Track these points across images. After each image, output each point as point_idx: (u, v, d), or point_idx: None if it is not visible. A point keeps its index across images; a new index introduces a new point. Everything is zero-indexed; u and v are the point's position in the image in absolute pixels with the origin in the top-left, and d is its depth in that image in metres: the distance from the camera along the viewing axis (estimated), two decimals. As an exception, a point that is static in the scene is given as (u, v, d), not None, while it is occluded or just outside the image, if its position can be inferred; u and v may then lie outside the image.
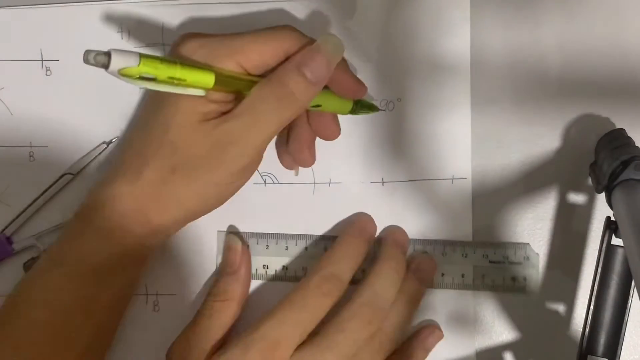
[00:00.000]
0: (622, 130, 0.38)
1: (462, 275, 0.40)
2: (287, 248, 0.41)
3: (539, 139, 0.40)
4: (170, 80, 0.31)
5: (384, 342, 0.38)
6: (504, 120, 0.40)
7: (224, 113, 0.35)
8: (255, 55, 0.34)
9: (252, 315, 0.38)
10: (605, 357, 0.35)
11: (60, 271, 0.35)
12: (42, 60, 0.41)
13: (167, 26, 0.41)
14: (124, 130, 0.41)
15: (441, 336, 0.40)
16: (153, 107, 0.36)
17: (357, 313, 0.37)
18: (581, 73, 0.40)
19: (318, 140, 0.39)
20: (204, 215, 0.38)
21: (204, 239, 0.41)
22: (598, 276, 0.36)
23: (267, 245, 0.41)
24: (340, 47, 0.35)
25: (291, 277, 0.41)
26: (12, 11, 0.41)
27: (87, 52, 0.28)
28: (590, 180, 0.39)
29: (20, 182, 0.41)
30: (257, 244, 0.41)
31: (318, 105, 0.37)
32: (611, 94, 0.40)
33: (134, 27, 0.41)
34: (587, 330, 0.35)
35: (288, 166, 0.41)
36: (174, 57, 0.34)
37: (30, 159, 0.41)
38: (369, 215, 0.40)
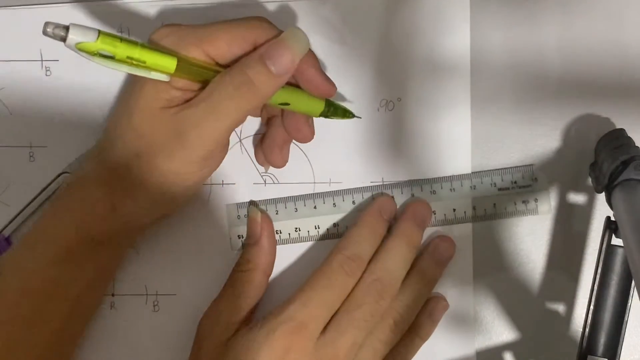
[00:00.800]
0: (622, 130, 0.38)
1: (474, 208, 0.40)
2: (315, 207, 0.41)
3: (539, 139, 0.40)
4: (129, 61, 0.31)
5: (397, 320, 0.38)
6: (504, 120, 0.40)
7: (186, 95, 0.35)
8: (222, 44, 0.34)
9: (287, 278, 0.40)
10: (605, 357, 0.35)
11: (32, 253, 0.35)
12: (41, 60, 0.41)
13: (167, 26, 0.41)
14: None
15: (447, 307, 0.40)
16: (124, 93, 0.36)
17: (371, 288, 0.37)
18: (581, 73, 0.40)
19: (319, 140, 0.39)
20: (175, 209, 0.38)
21: (205, 238, 0.41)
22: (598, 276, 0.36)
23: (296, 208, 0.41)
24: (306, 41, 0.35)
25: (323, 236, 0.41)
26: (11, 11, 0.41)
27: (47, 24, 0.29)
28: (590, 180, 0.39)
29: (20, 182, 0.41)
30: (286, 208, 0.41)
31: (286, 104, 0.37)
32: (611, 94, 0.40)
33: (134, 27, 0.41)
34: (587, 330, 0.35)
35: (260, 163, 0.41)
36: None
37: (30, 159, 0.41)
38: (389, 195, 0.41)
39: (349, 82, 0.40)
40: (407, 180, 0.41)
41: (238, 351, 0.36)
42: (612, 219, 0.36)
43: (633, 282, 0.35)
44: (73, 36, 0.29)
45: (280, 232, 0.41)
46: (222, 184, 0.41)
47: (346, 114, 0.39)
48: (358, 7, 0.40)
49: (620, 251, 0.35)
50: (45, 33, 0.29)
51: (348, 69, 0.40)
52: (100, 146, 0.37)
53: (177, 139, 0.34)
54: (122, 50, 0.31)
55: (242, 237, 0.41)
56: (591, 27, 0.40)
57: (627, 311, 0.35)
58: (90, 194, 0.36)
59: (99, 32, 0.30)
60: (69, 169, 0.41)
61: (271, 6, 0.41)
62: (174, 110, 0.34)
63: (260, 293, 0.39)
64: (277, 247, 0.40)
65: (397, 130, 0.41)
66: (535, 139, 0.40)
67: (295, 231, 0.41)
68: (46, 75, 0.41)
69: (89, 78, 0.41)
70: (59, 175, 0.41)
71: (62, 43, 0.30)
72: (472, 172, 0.41)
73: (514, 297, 0.40)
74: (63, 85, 0.41)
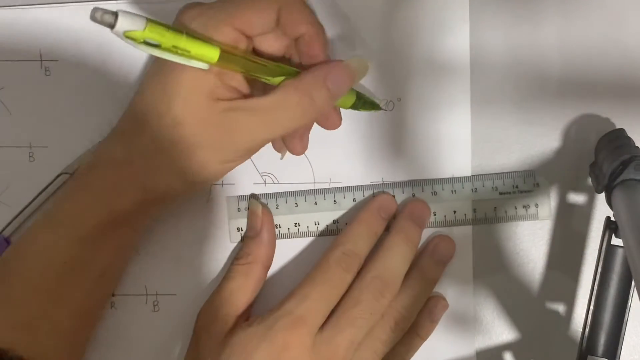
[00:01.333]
0: (622, 130, 0.38)
1: (474, 210, 0.40)
2: (316, 204, 0.41)
3: (539, 139, 0.40)
4: (175, 50, 0.31)
5: (398, 319, 0.38)
6: (504, 120, 0.40)
7: (230, 93, 0.35)
8: (251, 17, 0.34)
9: (285, 275, 0.40)
10: (605, 357, 0.35)
11: (54, 230, 0.35)
12: (41, 60, 0.41)
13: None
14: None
15: (447, 306, 0.40)
16: (156, 76, 0.36)
17: (370, 286, 0.37)
18: (581, 73, 0.40)
19: (319, 139, 0.39)
20: (202, 187, 0.39)
21: (205, 239, 0.41)
22: (598, 276, 0.36)
23: (297, 203, 0.41)
24: (366, 67, 0.38)
25: (323, 232, 0.41)
26: (11, 11, 0.41)
27: (95, 10, 0.28)
28: (590, 180, 0.39)
29: (19, 182, 0.41)
30: (286, 203, 0.41)
31: None
32: (611, 94, 0.40)
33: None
34: (587, 330, 0.35)
35: (278, 149, 0.41)
36: (180, 26, 0.34)
37: (30, 159, 0.41)
38: (389, 194, 0.41)
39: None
40: (408, 180, 0.41)
41: (237, 346, 0.36)
42: (612, 219, 0.36)
43: (633, 282, 0.35)
44: (122, 23, 0.29)
45: (280, 227, 0.41)
46: (222, 184, 0.41)
47: (374, 106, 0.40)
48: (358, 7, 0.40)
49: (620, 251, 0.35)
50: (93, 19, 0.28)
51: (348, 69, 0.40)
52: (124, 129, 0.36)
53: (227, 136, 0.35)
54: (168, 39, 0.31)
55: (242, 230, 0.41)
56: (591, 27, 0.40)
57: (627, 311, 0.35)
58: (119, 174, 0.35)
59: (147, 20, 0.30)
60: (69, 169, 0.41)
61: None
62: (223, 106, 0.34)
63: (259, 286, 0.39)
64: (276, 241, 0.41)
65: (397, 130, 0.41)
66: (535, 139, 0.40)
67: (295, 226, 0.41)
68: (46, 75, 0.41)
69: (88, 78, 0.41)
70: (58, 176, 0.41)
71: (99, 33, 0.28)
72: (474, 175, 0.41)
73: (514, 297, 0.40)
74: (62, 86, 0.41)
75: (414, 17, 0.40)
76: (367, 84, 0.40)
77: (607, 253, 0.36)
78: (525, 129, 0.40)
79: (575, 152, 0.40)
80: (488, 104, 0.40)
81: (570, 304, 0.40)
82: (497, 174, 0.40)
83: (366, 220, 0.39)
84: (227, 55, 0.33)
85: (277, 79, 0.35)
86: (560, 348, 0.40)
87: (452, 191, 0.40)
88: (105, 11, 0.29)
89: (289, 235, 0.41)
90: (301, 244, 0.41)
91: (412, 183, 0.41)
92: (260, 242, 0.40)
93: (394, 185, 0.41)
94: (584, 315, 0.36)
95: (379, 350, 0.38)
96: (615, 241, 0.36)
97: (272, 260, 0.40)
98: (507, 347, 0.41)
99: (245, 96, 0.36)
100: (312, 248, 0.41)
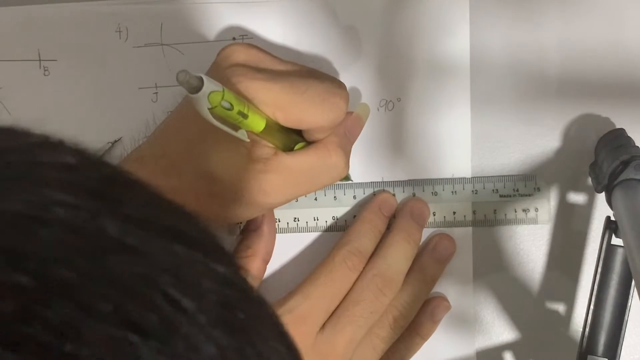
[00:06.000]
0: (622, 130, 0.38)
1: (474, 212, 0.40)
2: (316, 199, 0.41)
3: (539, 139, 0.40)
4: (237, 117, 0.31)
5: (398, 318, 0.38)
6: (504, 120, 0.40)
7: (261, 150, 0.35)
8: (301, 124, 0.35)
9: (283, 270, 0.40)
10: (605, 357, 0.35)
11: None
12: (39, 60, 0.41)
13: (166, 25, 0.41)
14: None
15: (449, 307, 0.40)
16: (194, 124, 0.34)
17: (371, 284, 0.38)
18: (581, 73, 0.40)
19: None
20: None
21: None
22: (598, 276, 0.36)
23: (297, 199, 0.40)
24: (369, 111, 0.40)
25: (322, 228, 0.41)
26: (9, 10, 0.41)
27: (181, 72, 0.29)
28: (590, 180, 0.39)
29: (18, 182, 0.41)
30: None
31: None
32: (611, 94, 0.40)
33: (133, 27, 0.41)
34: (587, 330, 0.35)
35: None
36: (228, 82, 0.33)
37: (29, 159, 0.41)
38: (389, 192, 0.41)
39: (349, 82, 0.40)
40: (408, 179, 0.41)
41: None
42: (612, 219, 0.36)
43: (633, 282, 0.35)
44: (207, 85, 0.29)
45: (279, 221, 0.41)
46: (222, 184, 0.41)
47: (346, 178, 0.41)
48: (358, 7, 0.40)
49: (620, 251, 0.35)
50: (179, 80, 0.29)
51: (348, 69, 0.40)
52: (148, 163, 0.35)
53: (262, 195, 0.35)
54: (237, 104, 0.31)
55: (241, 224, 0.41)
56: (591, 27, 0.40)
57: (627, 311, 0.35)
58: None
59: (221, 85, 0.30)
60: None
61: (272, 5, 0.40)
62: (259, 168, 0.34)
63: (258, 280, 0.39)
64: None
65: (396, 130, 0.40)
66: (535, 139, 0.40)
67: (294, 221, 0.41)
68: (44, 75, 0.41)
69: (87, 78, 0.41)
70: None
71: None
72: (475, 177, 0.40)
73: (514, 297, 0.40)
74: (61, 86, 0.41)
75: (414, 18, 0.40)
76: (367, 83, 0.40)
77: (607, 253, 0.36)
78: (525, 129, 0.40)
79: (575, 152, 0.40)
80: (488, 104, 0.40)
81: (570, 304, 0.40)
82: (498, 176, 0.40)
83: (369, 218, 0.39)
84: (271, 130, 0.34)
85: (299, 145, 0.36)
86: (560, 348, 0.40)
87: (452, 192, 0.40)
88: (191, 75, 0.29)
89: (288, 230, 0.41)
90: (300, 239, 0.41)
91: (412, 183, 0.41)
92: (260, 236, 0.39)
93: (395, 184, 0.41)
94: (584, 315, 0.36)
95: (379, 347, 0.38)
96: (615, 241, 0.36)
97: (271, 254, 0.40)
98: (507, 347, 0.40)
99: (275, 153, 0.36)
100: (310, 244, 0.41)
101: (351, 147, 0.38)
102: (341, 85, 0.36)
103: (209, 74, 0.36)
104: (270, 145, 0.35)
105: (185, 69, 0.29)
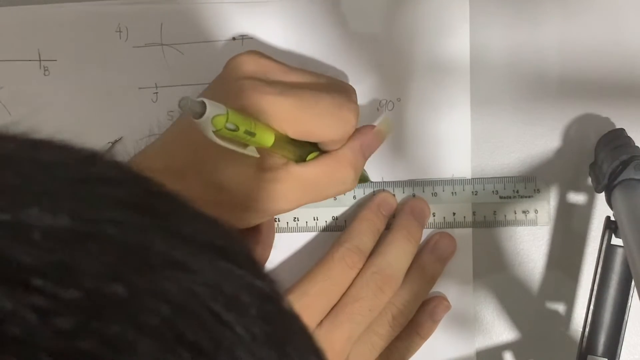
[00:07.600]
0: (622, 130, 0.38)
1: (474, 213, 0.40)
2: None
3: (539, 139, 0.40)
4: (244, 136, 0.31)
5: (396, 315, 0.38)
6: (504, 120, 0.40)
7: (271, 159, 0.34)
8: (316, 135, 0.35)
9: (281, 269, 0.40)
10: (605, 357, 0.35)
11: None
12: (40, 60, 0.41)
13: (166, 25, 0.41)
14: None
15: (449, 307, 0.40)
16: (195, 140, 0.33)
17: (370, 281, 0.38)
18: (581, 73, 0.40)
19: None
20: None
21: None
22: (598, 276, 0.36)
23: None
24: (392, 127, 0.39)
25: (321, 228, 0.41)
26: (9, 10, 0.41)
27: (183, 98, 0.28)
28: (590, 180, 0.39)
29: (18, 182, 0.41)
30: None
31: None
32: (611, 94, 0.40)
33: (133, 27, 0.41)
34: (587, 330, 0.35)
35: None
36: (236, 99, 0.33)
37: (29, 159, 0.41)
38: (389, 192, 0.41)
39: (348, 82, 0.40)
40: (408, 180, 0.41)
41: None
42: (612, 219, 0.36)
43: (633, 282, 0.35)
44: (210, 109, 0.29)
45: (279, 220, 0.41)
46: (222, 184, 0.41)
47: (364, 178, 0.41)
48: (358, 7, 0.40)
49: (620, 251, 0.36)
50: (181, 106, 0.29)
51: (348, 69, 0.40)
52: (154, 169, 0.35)
53: (271, 203, 0.34)
54: (242, 123, 0.30)
55: None
56: (591, 27, 0.40)
57: (627, 311, 0.35)
58: None
59: (225, 107, 0.29)
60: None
61: (272, 5, 0.40)
62: (268, 177, 0.34)
63: None
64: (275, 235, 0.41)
65: (396, 130, 0.40)
66: (535, 139, 0.40)
67: (294, 220, 0.41)
68: (44, 75, 0.41)
69: (87, 78, 0.41)
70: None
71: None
72: (475, 178, 0.40)
73: (514, 297, 0.40)
74: (61, 86, 0.41)
75: (414, 18, 0.40)
76: (367, 83, 0.40)
77: (607, 253, 0.36)
78: (525, 129, 0.40)
79: (575, 152, 0.40)
80: (488, 104, 0.40)
81: (570, 304, 0.40)
82: (497, 177, 0.40)
83: (368, 217, 0.39)
84: (281, 143, 0.33)
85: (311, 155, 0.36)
86: (560, 348, 0.40)
87: (452, 193, 0.40)
88: (193, 101, 0.28)
89: (287, 230, 0.41)
90: (300, 238, 0.41)
91: (412, 183, 0.41)
92: (258, 235, 0.39)
93: (395, 184, 0.41)
94: (584, 315, 0.36)
95: (377, 345, 0.38)
96: (615, 241, 0.36)
97: (269, 252, 0.40)
98: (507, 347, 0.40)
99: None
100: (310, 243, 0.41)
101: (365, 162, 0.37)
102: (351, 97, 0.36)
103: (216, 85, 0.36)
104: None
105: (187, 95, 0.28)
